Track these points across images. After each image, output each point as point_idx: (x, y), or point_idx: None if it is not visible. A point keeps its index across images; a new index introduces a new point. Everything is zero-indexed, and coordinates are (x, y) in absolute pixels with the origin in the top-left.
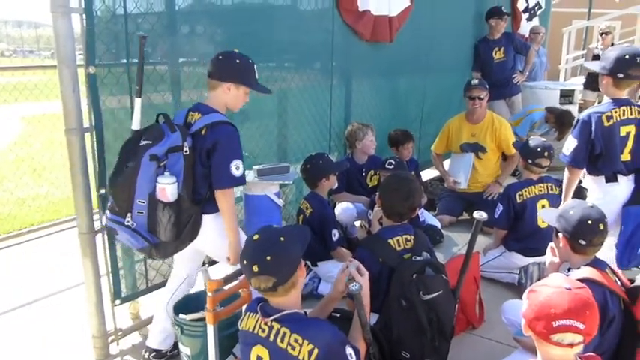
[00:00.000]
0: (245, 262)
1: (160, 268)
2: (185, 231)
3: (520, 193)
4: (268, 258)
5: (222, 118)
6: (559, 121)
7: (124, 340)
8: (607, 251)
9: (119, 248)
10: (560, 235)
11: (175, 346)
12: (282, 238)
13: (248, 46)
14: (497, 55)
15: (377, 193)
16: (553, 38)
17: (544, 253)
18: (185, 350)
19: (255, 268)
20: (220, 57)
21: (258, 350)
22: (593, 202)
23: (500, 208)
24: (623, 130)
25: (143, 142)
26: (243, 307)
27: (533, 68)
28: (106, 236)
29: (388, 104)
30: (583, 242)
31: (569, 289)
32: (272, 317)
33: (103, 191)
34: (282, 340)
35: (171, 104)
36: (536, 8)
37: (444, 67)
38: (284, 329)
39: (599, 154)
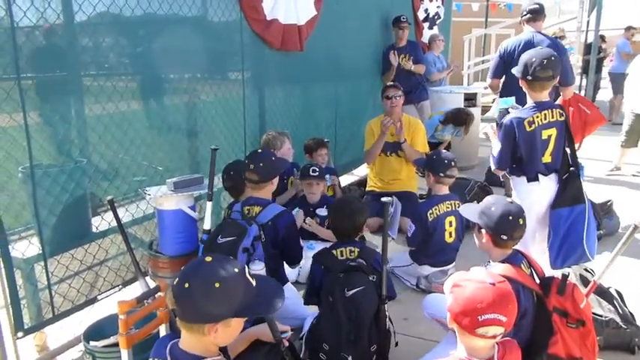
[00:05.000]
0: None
1: (67, 294)
2: None
3: (431, 211)
4: (186, 285)
5: (281, 209)
6: (456, 120)
7: None
8: (538, 256)
9: (19, 277)
10: (483, 230)
11: None
12: (217, 285)
13: (156, 58)
14: (404, 61)
15: None
16: (455, 45)
17: (450, 263)
18: None
19: (175, 280)
20: (261, 164)
21: None
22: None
23: (412, 227)
24: (545, 134)
25: (225, 239)
26: (161, 327)
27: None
28: (2, 264)
29: (303, 112)
30: (505, 237)
31: (493, 284)
32: None
33: None
34: None
35: (72, 120)
36: (435, 18)
37: (355, 73)
38: None
39: (520, 157)
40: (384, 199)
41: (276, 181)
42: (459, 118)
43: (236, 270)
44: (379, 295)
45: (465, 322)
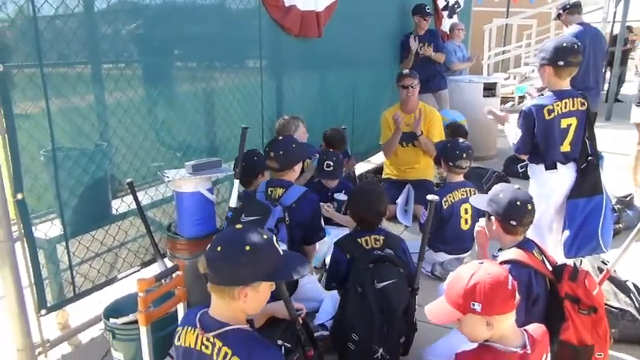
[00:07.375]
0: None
1: (87, 274)
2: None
3: (445, 199)
4: (219, 249)
5: (304, 190)
6: (453, 133)
7: (52, 352)
8: (555, 248)
9: (42, 256)
10: (493, 218)
11: None
12: (247, 248)
13: (175, 45)
14: (424, 49)
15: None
16: (476, 35)
17: (466, 251)
18: (118, 356)
19: (208, 246)
20: (281, 152)
21: None
22: (534, 195)
23: (425, 214)
24: (564, 123)
25: (248, 218)
26: (179, 306)
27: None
28: (25, 244)
29: (320, 98)
30: (514, 223)
31: (482, 262)
32: (213, 333)
33: (19, 197)
34: None
35: (93, 105)
36: (455, 6)
37: (373, 60)
38: (225, 349)
39: (538, 144)
40: (429, 197)
41: (297, 167)
42: (455, 134)
43: (265, 237)
44: (410, 288)
45: (498, 302)
